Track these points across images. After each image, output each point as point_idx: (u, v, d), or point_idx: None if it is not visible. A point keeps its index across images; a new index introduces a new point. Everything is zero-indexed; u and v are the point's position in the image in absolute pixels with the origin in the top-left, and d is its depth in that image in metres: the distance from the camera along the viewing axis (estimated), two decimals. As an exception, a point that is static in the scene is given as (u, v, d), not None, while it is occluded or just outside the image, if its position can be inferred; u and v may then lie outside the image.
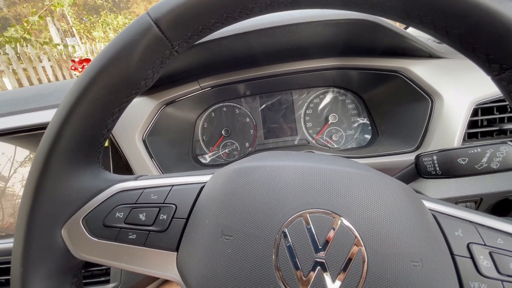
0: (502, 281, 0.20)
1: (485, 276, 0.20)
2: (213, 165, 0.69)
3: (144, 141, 0.55)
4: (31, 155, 0.58)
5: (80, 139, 0.26)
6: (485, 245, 0.22)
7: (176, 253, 0.24)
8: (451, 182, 0.51)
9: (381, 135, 0.64)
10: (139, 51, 0.24)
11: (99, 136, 0.28)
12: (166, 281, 0.54)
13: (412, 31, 0.77)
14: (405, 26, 0.87)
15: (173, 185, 0.27)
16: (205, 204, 0.25)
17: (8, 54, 4.00)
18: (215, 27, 0.25)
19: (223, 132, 0.72)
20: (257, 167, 0.25)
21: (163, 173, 0.55)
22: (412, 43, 0.52)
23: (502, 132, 0.52)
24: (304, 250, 0.20)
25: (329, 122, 0.70)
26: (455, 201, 0.52)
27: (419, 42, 0.52)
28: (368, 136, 0.68)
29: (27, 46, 4.33)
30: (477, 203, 0.52)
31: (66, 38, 6.74)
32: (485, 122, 0.53)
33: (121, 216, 0.26)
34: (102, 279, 0.51)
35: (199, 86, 0.60)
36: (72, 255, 0.26)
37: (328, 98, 0.71)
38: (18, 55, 4.16)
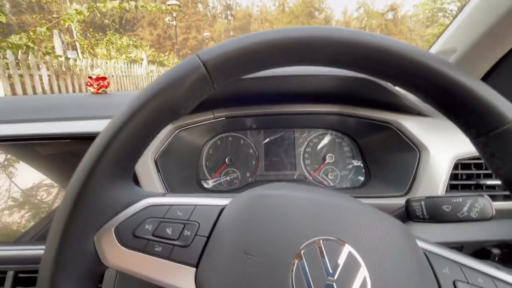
0: None
1: None
2: (215, 191, 0.71)
3: (156, 161, 0.57)
4: (35, 164, 0.59)
5: (123, 154, 0.28)
6: (468, 282, 0.25)
7: (195, 269, 0.26)
8: (435, 228, 0.56)
9: (373, 178, 0.69)
10: (186, 85, 0.29)
11: (138, 152, 0.31)
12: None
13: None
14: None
15: (196, 205, 0.30)
16: (227, 224, 0.27)
17: (7, 59, 4.01)
18: (249, 72, 0.31)
19: (226, 160, 0.75)
20: (277, 195, 0.29)
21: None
22: (404, 102, 0.60)
23: (479, 186, 0.59)
24: (318, 273, 0.23)
25: (326, 162, 0.76)
26: None
27: (410, 101, 0.60)
28: (361, 178, 0.73)
29: (28, 54, 4.37)
30: (459, 250, 0.57)
31: (68, 51, 6.85)
32: (464, 176, 0.60)
33: (150, 229, 0.28)
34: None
35: (213, 116, 0.65)
36: (100, 262, 0.28)
37: (327, 139, 0.78)
38: (17, 61, 4.17)
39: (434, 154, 0.58)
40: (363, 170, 0.74)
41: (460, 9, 0.68)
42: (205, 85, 0.30)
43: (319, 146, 0.77)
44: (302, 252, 0.24)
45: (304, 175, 0.76)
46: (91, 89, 0.84)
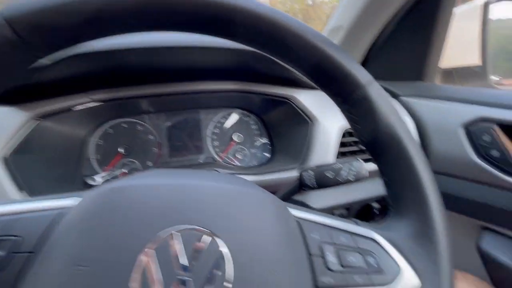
0: (344, 272, 0.24)
1: (332, 270, 0.23)
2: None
3: (6, 160, 0.45)
4: None
5: None
6: (332, 243, 0.25)
7: None
8: (328, 194, 0.60)
9: (278, 154, 0.71)
10: None
11: None
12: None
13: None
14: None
15: (23, 212, 0.23)
16: (62, 232, 0.21)
17: None
18: (85, 38, 0.24)
19: (121, 150, 0.66)
20: (130, 187, 0.23)
21: None
22: (297, 76, 0.61)
23: (362, 151, 0.66)
24: (169, 270, 0.19)
25: (235, 141, 0.74)
26: (332, 209, 0.61)
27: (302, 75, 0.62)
28: (268, 155, 0.74)
29: None
30: (348, 209, 0.64)
31: None
32: (352, 143, 0.66)
33: None
34: None
35: (89, 98, 0.54)
36: None
37: (234, 118, 0.75)
38: None
39: (325, 125, 0.61)
40: (270, 147, 0.75)
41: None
42: (19, 54, 0.22)
43: (227, 126, 0.75)
44: (148, 248, 0.20)
45: (213, 158, 0.72)
46: None
